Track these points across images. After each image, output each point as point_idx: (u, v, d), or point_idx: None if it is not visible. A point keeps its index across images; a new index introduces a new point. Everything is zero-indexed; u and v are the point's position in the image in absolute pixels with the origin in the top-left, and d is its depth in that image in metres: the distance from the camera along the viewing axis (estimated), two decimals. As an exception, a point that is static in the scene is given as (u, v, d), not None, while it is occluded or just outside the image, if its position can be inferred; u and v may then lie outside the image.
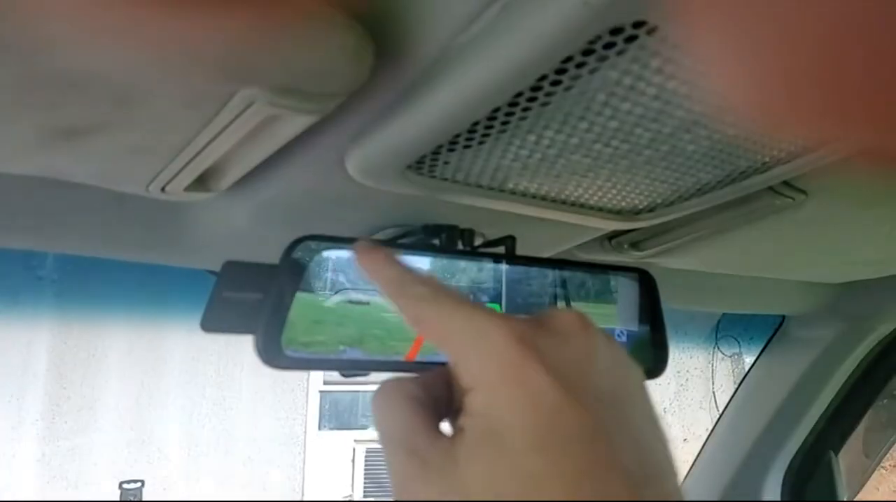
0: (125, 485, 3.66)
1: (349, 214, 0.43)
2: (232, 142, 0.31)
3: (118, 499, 3.64)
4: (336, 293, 0.40)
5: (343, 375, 0.42)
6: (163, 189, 0.36)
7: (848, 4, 0.13)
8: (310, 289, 0.39)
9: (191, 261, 0.52)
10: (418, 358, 0.41)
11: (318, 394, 4.25)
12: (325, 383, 4.27)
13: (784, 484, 0.99)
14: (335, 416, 4.35)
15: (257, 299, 0.37)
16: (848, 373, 0.96)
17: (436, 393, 0.27)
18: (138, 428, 3.80)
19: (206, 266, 0.52)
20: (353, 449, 4.20)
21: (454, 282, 0.43)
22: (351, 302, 0.40)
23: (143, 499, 3.68)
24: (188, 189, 0.37)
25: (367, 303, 0.40)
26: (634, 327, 0.46)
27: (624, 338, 0.46)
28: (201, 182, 0.37)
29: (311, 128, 0.33)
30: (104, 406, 3.77)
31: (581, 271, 0.46)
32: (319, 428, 4.23)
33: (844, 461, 1.02)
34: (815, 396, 0.99)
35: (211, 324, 0.37)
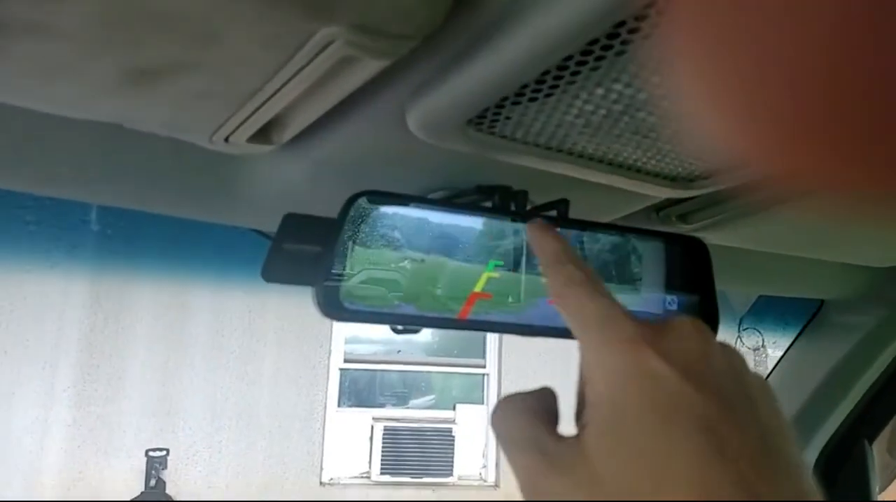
0: (151, 453, 3.75)
1: (405, 173, 0.43)
2: (302, 88, 0.31)
3: (144, 469, 3.73)
4: (393, 249, 0.40)
5: (396, 331, 0.42)
6: (226, 139, 0.37)
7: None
8: (367, 244, 0.39)
9: (242, 219, 0.52)
10: (470, 316, 0.41)
11: (339, 372, 4.29)
12: (346, 361, 4.31)
13: (815, 471, 0.98)
14: (354, 394, 4.40)
15: (317, 252, 0.38)
16: (888, 362, 0.95)
17: (550, 407, 0.30)
18: (164, 398, 3.88)
19: (257, 225, 0.53)
20: (372, 427, 4.24)
21: (505, 244, 0.43)
22: (407, 258, 0.40)
23: (168, 469, 3.76)
24: (251, 140, 0.37)
25: (423, 261, 0.41)
26: (684, 296, 0.46)
27: (675, 307, 0.45)
28: (264, 133, 0.37)
29: (374, 80, 0.33)
30: (132, 376, 3.85)
31: (635, 237, 0.46)
32: (339, 406, 4.27)
33: (877, 451, 1.01)
34: (852, 384, 0.97)
35: (272, 275, 0.37)
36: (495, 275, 0.42)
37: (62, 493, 3.63)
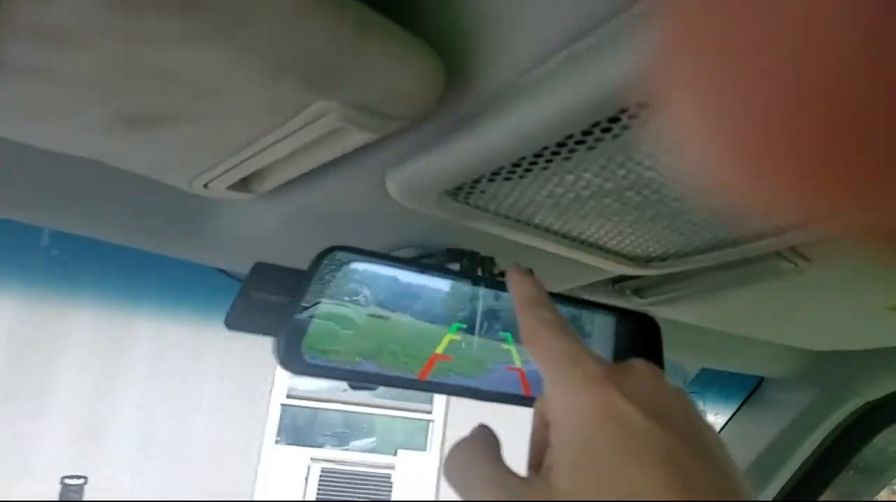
0: (67, 481, 3.55)
1: (378, 230, 0.44)
2: (289, 149, 0.32)
3: (58, 498, 3.54)
4: (360, 305, 0.41)
5: (353, 387, 0.42)
6: (205, 185, 0.37)
7: (843, 81, 0.14)
8: (335, 298, 0.40)
9: (211, 258, 0.52)
10: (429, 377, 0.42)
11: (280, 407, 4.19)
12: (289, 397, 4.22)
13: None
14: (294, 431, 4.30)
15: (283, 302, 0.38)
16: (819, 440, 0.99)
17: (498, 447, 0.30)
18: (90, 421, 3.71)
19: (225, 266, 0.53)
20: (309, 467, 4.14)
21: (470, 308, 0.44)
22: (372, 315, 0.41)
23: (84, 499, 3.58)
24: (230, 188, 0.38)
25: (388, 319, 0.41)
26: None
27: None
28: (243, 183, 0.38)
29: (359, 147, 0.34)
30: (58, 394, 3.68)
31: (590, 310, 0.47)
32: (277, 442, 4.16)
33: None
34: (785, 460, 1.01)
35: (235, 323, 0.37)
36: (457, 337, 0.43)
37: (-31, 517, 3.41)
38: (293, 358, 0.39)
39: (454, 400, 4.38)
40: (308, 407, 4.34)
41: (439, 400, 4.43)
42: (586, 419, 0.27)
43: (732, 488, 0.26)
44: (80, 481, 3.57)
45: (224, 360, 4.00)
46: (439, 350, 0.42)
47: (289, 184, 0.39)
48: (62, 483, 3.54)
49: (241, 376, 4.04)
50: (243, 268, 0.41)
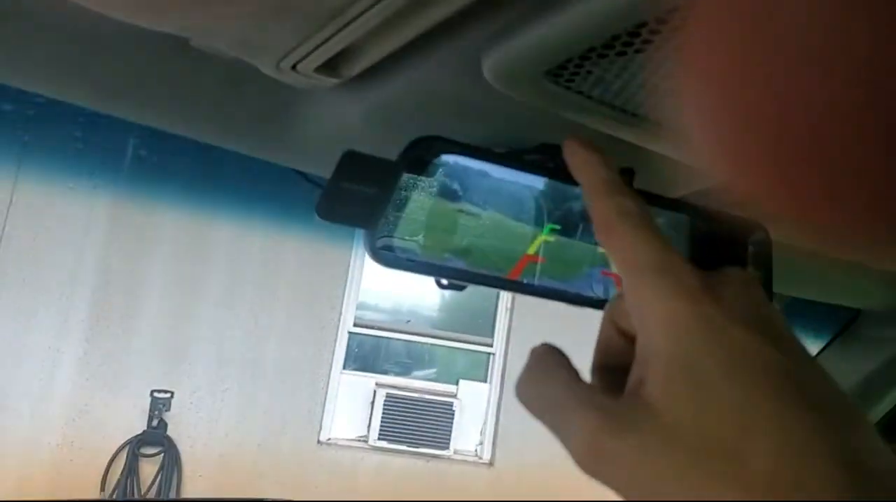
0: (156, 394, 3.80)
1: (470, 123, 0.42)
2: (380, 19, 0.30)
3: (148, 409, 3.79)
4: (450, 200, 0.39)
5: (441, 285, 0.41)
6: (294, 67, 0.35)
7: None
8: (425, 192, 0.38)
9: (293, 159, 0.51)
10: (519, 278, 0.40)
11: (347, 335, 4.32)
12: (356, 325, 4.33)
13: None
14: (360, 359, 4.43)
15: (373, 194, 0.36)
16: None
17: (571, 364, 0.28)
18: (173, 341, 3.92)
19: (308, 167, 0.52)
20: (374, 393, 4.27)
21: (564, 209, 0.41)
22: (463, 211, 0.39)
23: (171, 411, 3.82)
24: (318, 70, 0.36)
25: (479, 216, 0.39)
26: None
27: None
28: (332, 64, 0.36)
29: (452, 21, 0.31)
30: (144, 316, 3.90)
31: (696, 216, 0.44)
32: (344, 368, 4.31)
33: None
34: (877, 402, 0.96)
35: (326, 212, 0.36)
36: (551, 239, 0.40)
37: (66, 423, 3.70)
38: (382, 251, 0.37)
39: (515, 332, 4.41)
40: (374, 336, 4.45)
41: (500, 332, 4.47)
42: (683, 332, 0.24)
43: (848, 404, 0.24)
44: (168, 395, 3.82)
45: (293, 291, 4.12)
46: (531, 250, 0.40)
47: (378, 68, 0.37)
48: (152, 395, 3.78)
49: (311, 304, 4.16)
50: (325, 170, 0.39)
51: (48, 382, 3.73)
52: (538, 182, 0.41)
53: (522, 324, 4.40)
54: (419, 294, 4.54)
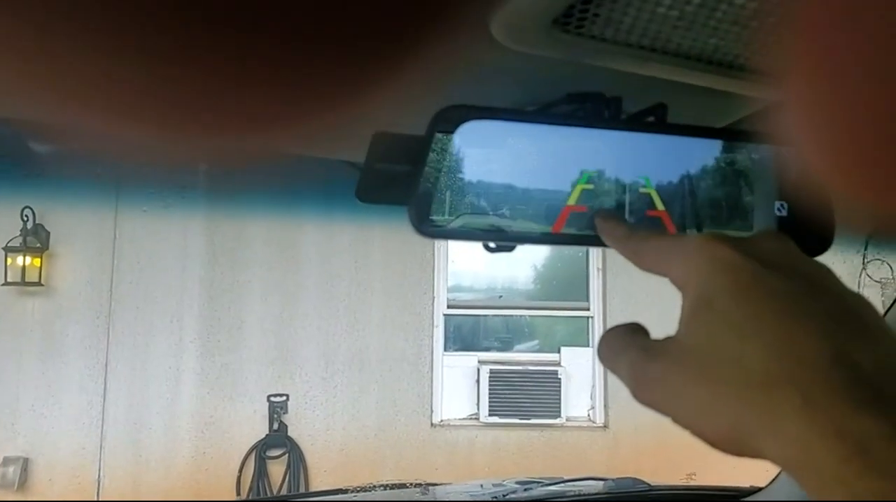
0: (272, 398, 4.01)
1: (491, 87, 0.42)
2: None
3: (267, 413, 4.00)
4: (483, 164, 0.40)
5: (488, 249, 0.42)
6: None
7: None
8: (457, 160, 0.39)
9: (333, 149, 0.53)
10: (564, 230, 0.41)
11: (443, 318, 4.38)
12: (450, 307, 4.39)
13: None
14: (459, 339, 4.49)
15: (407, 170, 0.38)
16: None
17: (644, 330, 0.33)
18: (280, 347, 4.11)
19: (348, 155, 0.53)
20: (478, 370, 4.32)
21: (599, 155, 0.41)
22: (497, 173, 0.40)
23: (288, 413, 4.02)
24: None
25: (514, 175, 0.40)
26: (796, 204, 0.43)
27: (785, 213, 0.43)
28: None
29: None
30: (250, 327, 4.10)
31: (740, 142, 0.43)
32: (445, 350, 4.38)
33: None
34: None
35: (365, 195, 0.38)
36: (589, 186, 0.41)
37: (196, 435, 3.96)
38: (426, 224, 0.39)
39: (611, 292, 4.34)
40: (469, 315, 4.50)
41: (595, 295, 4.41)
42: (699, 268, 0.28)
43: (861, 322, 0.25)
44: (284, 397, 4.01)
45: (385, 278, 4.22)
46: (571, 201, 0.40)
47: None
48: (269, 400, 3.99)
49: (402, 292, 4.25)
50: (360, 155, 0.41)
51: (174, 399, 4.01)
52: (569, 132, 0.41)
53: (616, 283, 4.32)
54: (510, 270, 4.55)
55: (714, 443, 0.25)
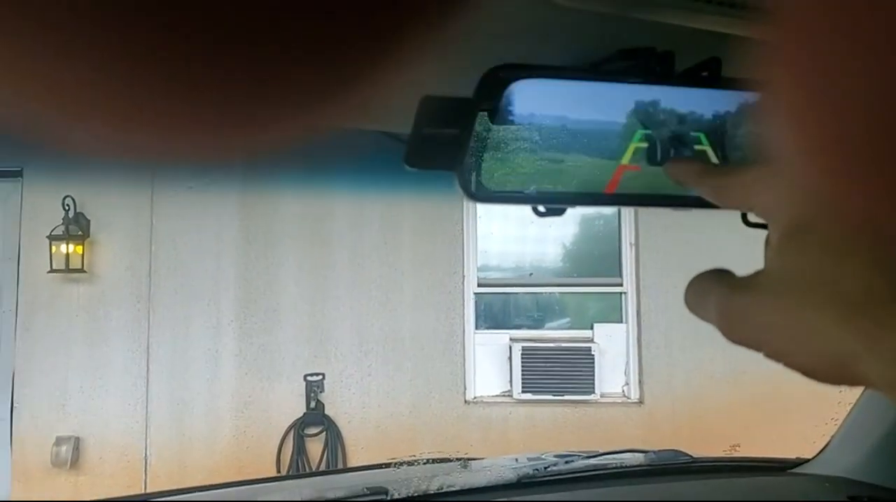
0: (309, 378, 4.07)
1: (540, 45, 0.41)
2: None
3: (304, 392, 4.07)
4: (534, 125, 0.39)
5: (538, 213, 0.41)
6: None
7: None
8: (507, 122, 0.38)
9: (371, 120, 0.53)
10: (618, 191, 0.40)
11: (473, 296, 4.38)
12: (480, 285, 4.39)
13: None
14: (491, 317, 4.49)
15: (455, 134, 0.37)
16: None
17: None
18: (315, 327, 4.16)
19: (388, 126, 0.53)
20: (510, 348, 4.32)
21: (653, 112, 0.40)
22: (549, 134, 0.39)
23: (325, 391, 4.07)
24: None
25: (566, 136, 0.39)
26: None
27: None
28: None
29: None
30: (285, 308, 4.16)
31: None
32: (477, 328, 4.38)
33: None
34: None
35: (414, 160, 0.37)
36: (643, 144, 0.40)
37: (236, 415, 4.05)
38: (476, 188, 0.38)
39: (644, 267, 4.29)
40: (500, 293, 4.49)
41: (628, 270, 4.36)
42: (792, 208, 0.27)
43: None
44: (320, 376, 4.07)
45: (415, 258, 4.24)
46: (625, 160, 0.40)
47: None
48: (305, 379, 4.06)
49: (432, 272, 4.26)
50: (406, 126, 0.40)
51: (213, 380, 4.09)
52: (621, 90, 0.40)
53: (649, 258, 4.27)
54: (540, 247, 4.52)
55: (812, 373, 0.24)
